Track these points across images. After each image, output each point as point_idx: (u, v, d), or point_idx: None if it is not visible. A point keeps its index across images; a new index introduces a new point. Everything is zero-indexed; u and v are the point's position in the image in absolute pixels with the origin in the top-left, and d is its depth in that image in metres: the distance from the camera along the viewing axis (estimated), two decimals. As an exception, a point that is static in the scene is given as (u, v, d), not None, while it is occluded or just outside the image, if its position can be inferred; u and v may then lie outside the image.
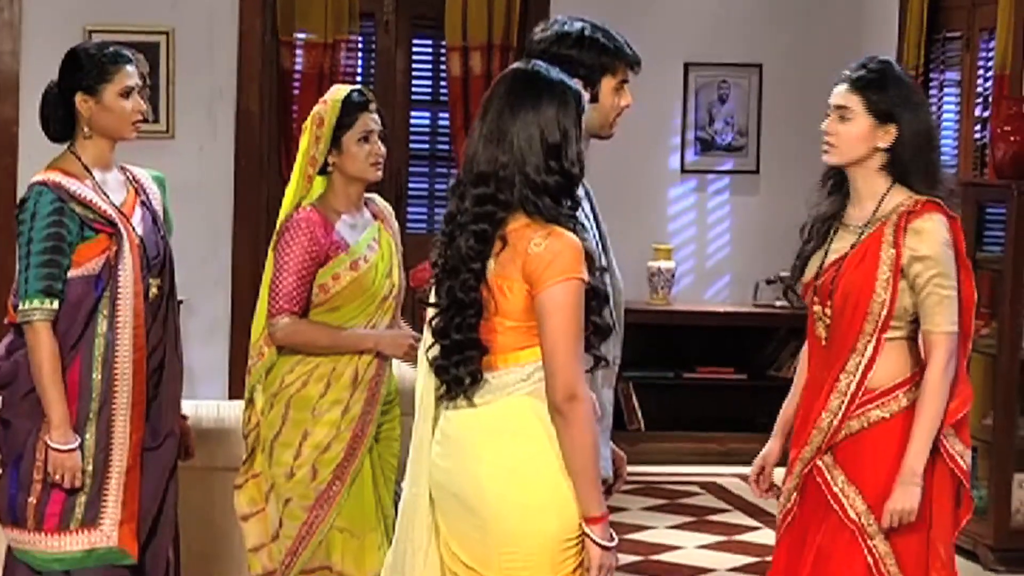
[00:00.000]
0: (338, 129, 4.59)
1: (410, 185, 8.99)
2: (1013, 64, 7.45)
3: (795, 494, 4.20)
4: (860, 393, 4.10)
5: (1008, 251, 6.92)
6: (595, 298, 3.57)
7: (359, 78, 8.77)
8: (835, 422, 4.10)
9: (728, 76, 9.13)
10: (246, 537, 4.73)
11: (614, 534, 3.58)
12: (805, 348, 4.31)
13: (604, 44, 3.88)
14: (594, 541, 3.54)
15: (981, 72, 7.93)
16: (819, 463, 4.13)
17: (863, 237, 4.11)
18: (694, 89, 9.11)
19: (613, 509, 3.73)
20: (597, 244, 3.83)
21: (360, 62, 8.89)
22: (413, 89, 9.02)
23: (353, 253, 4.62)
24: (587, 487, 3.53)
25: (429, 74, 9.05)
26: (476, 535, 3.58)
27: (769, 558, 6.83)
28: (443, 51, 8.87)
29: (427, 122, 9.09)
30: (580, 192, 3.72)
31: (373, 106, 4.68)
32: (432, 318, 3.63)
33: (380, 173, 4.70)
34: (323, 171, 4.66)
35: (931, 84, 8.37)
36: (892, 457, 4.06)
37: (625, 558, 6.53)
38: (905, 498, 4.02)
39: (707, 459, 8.68)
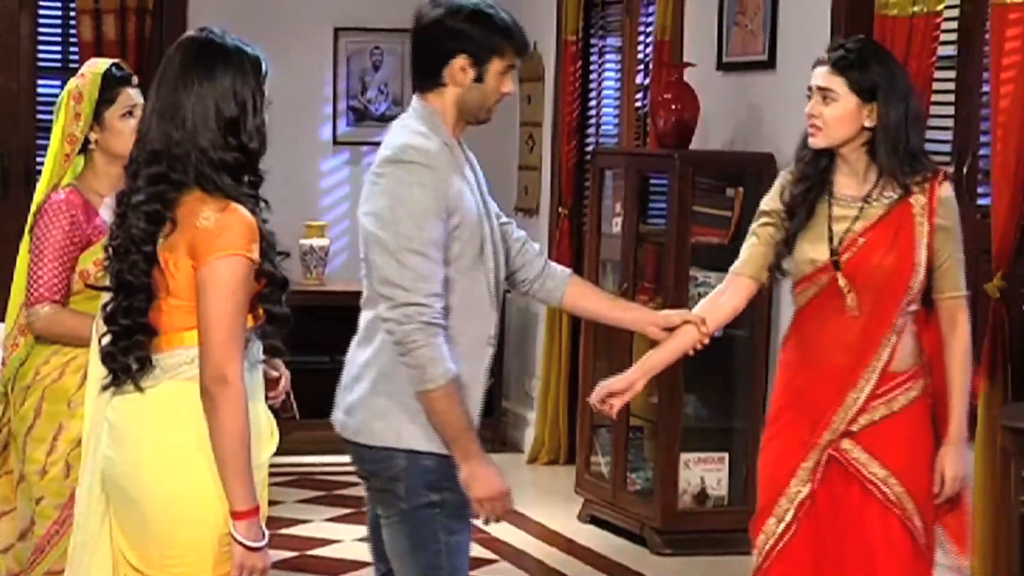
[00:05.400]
0: (99, 105, 4.45)
1: (38, 159, 8.55)
2: (672, 30, 7.43)
3: (810, 480, 4.25)
4: (886, 375, 4.21)
5: (671, 222, 6.78)
6: (271, 284, 3.49)
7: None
8: (860, 400, 4.20)
9: (381, 42, 8.89)
10: None
11: (265, 531, 3.46)
12: (716, 295, 4.33)
13: (496, 23, 3.81)
14: (236, 539, 3.41)
15: (641, 39, 7.91)
16: (844, 448, 4.22)
17: (887, 212, 4.19)
18: (345, 56, 8.84)
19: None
20: (482, 216, 3.76)
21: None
22: (40, 55, 8.75)
23: None
24: (233, 477, 3.40)
25: (58, 39, 8.79)
26: (138, 526, 3.47)
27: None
28: (73, 15, 8.64)
29: (57, 91, 8.65)
30: (454, 161, 3.70)
31: (135, 80, 4.55)
32: (104, 304, 3.52)
33: None
34: (82, 150, 4.49)
35: (591, 51, 8.38)
36: (924, 441, 4.22)
37: (280, 554, 6.40)
38: (964, 462, 4.22)
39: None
